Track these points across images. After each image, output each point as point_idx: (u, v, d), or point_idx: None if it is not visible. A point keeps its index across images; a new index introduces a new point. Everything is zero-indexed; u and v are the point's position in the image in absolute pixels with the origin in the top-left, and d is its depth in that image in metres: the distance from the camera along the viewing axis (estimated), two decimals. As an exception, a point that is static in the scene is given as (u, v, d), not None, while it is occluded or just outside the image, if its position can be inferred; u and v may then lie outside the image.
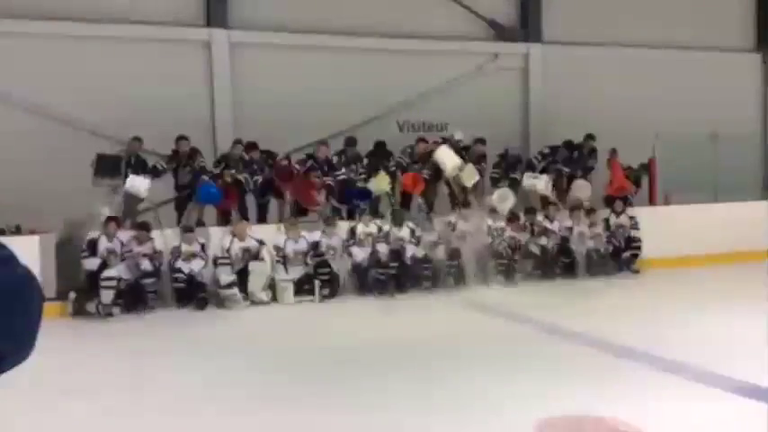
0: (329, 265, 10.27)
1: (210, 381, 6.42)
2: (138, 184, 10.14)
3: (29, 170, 10.77)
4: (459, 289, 10.69)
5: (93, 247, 9.62)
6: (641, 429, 4.91)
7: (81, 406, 5.78)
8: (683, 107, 14.49)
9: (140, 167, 10.49)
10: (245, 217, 10.81)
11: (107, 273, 9.34)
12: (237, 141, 11.14)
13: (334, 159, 11.40)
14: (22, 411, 5.58)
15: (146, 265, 9.66)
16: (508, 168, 12.36)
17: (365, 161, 11.49)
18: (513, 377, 6.17)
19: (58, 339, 8.55)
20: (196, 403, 5.81)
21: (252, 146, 11.03)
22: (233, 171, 10.73)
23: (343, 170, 11.34)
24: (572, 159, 12.76)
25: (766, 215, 12.29)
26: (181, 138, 10.74)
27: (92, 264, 9.49)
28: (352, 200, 11.28)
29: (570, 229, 11.70)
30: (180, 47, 12.15)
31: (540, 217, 11.70)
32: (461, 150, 12.00)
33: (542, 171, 12.48)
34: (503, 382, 6.04)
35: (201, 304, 9.71)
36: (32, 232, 9.75)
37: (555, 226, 11.64)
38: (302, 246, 10.31)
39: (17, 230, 9.86)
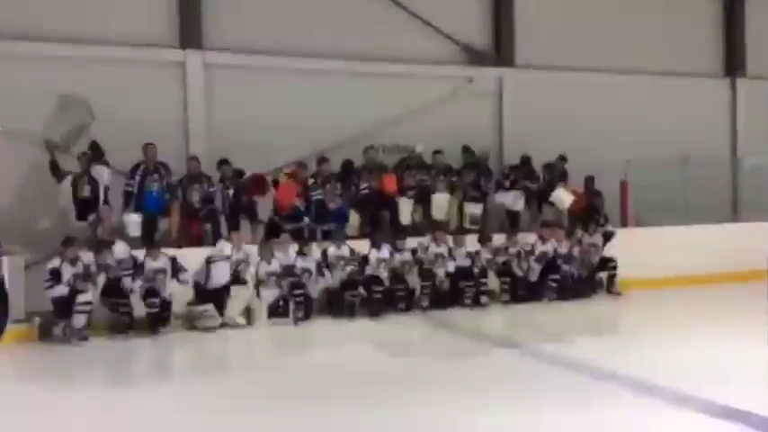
0: (304, 287, 10.20)
1: (183, 405, 6.31)
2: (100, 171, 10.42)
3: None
4: (434, 310, 10.66)
5: (57, 277, 9.17)
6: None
7: (51, 428, 5.65)
8: (654, 131, 14.70)
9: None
10: (217, 236, 10.71)
11: (82, 297, 9.05)
12: (224, 161, 11.27)
13: (310, 181, 11.46)
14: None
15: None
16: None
17: (323, 172, 11.67)
18: (488, 401, 6.12)
19: (27, 363, 8.41)
20: (167, 426, 5.70)
21: (223, 162, 11.25)
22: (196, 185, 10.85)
23: (319, 191, 11.38)
24: (534, 175, 13.04)
25: (735, 237, 12.50)
26: (192, 158, 11.20)
27: (59, 292, 9.11)
28: (327, 222, 11.27)
29: (554, 250, 11.75)
30: (154, 68, 12.06)
31: (532, 239, 11.73)
32: (426, 167, 12.43)
33: (509, 190, 12.84)
34: (480, 405, 6.00)
35: (164, 322, 9.49)
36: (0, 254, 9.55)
37: (548, 247, 11.68)
38: (275, 267, 10.21)
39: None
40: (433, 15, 13.74)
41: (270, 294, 10.04)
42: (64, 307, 9.09)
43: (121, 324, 9.33)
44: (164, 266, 9.69)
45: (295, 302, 10.04)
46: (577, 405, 5.89)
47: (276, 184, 11.36)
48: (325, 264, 10.50)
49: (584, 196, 13.05)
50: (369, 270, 10.59)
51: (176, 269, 9.76)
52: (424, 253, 11.02)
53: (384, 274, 10.62)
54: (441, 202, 12.01)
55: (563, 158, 13.22)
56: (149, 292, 9.48)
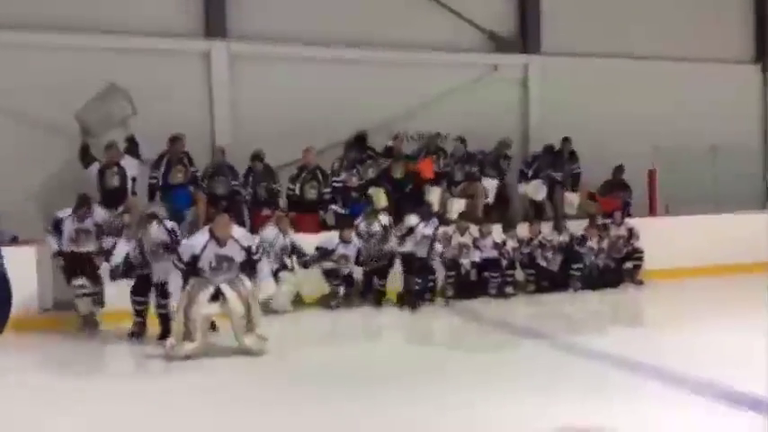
0: (339, 275, 10.22)
1: (199, 397, 6.33)
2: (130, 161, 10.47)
3: (22, 181, 10.75)
4: (458, 300, 10.61)
5: (57, 226, 8.79)
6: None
7: (66, 420, 5.71)
8: (683, 119, 14.46)
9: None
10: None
11: (77, 281, 8.62)
12: (256, 156, 11.32)
13: (335, 164, 11.59)
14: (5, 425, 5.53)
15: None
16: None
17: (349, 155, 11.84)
18: (514, 391, 6.09)
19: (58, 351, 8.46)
20: (185, 416, 5.75)
21: (256, 156, 11.29)
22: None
23: (343, 176, 11.43)
24: (555, 164, 12.93)
25: (767, 227, 12.28)
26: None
27: (51, 243, 8.89)
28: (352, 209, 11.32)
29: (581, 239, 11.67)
30: (178, 58, 12.08)
31: (546, 229, 11.63)
32: (441, 150, 12.57)
33: (532, 178, 12.78)
34: (504, 396, 5.96)
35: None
36: (28, 243, 9.65)
37: (566, 237, 11.61)
38: (286, 242, 10.10)
39: (14, 241, 9.75)
40: (459, 3, 13.64)
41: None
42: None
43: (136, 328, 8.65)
44: (166, 239, 8.27)
45: (332, 289, 10.17)
46: (602, 395, 5.84)
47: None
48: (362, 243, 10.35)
49: (614, 199, 12.95)
50: (410, 245, 10.43)
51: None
52: (448, 244, 10.93)
53: (423, 250, 10.39)
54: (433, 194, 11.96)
55: (566, 140, 13.09)
56: (162, 292, 8.15)
